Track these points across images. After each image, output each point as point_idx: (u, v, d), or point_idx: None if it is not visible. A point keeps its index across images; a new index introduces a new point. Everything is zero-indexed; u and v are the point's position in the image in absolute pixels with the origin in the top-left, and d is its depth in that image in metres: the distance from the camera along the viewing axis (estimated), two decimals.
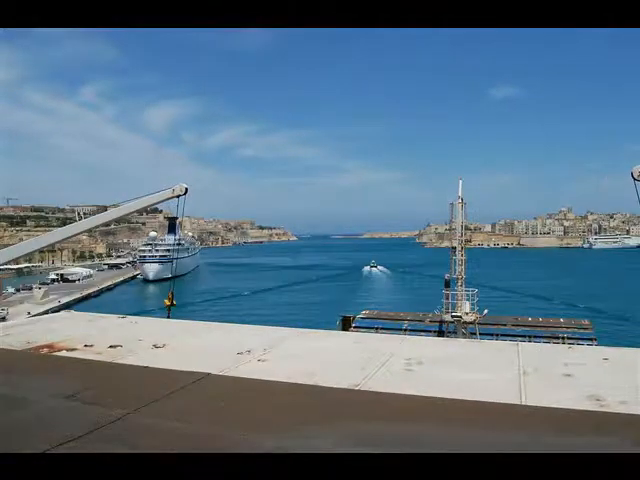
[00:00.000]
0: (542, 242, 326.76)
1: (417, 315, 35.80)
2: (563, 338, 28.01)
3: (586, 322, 32.00)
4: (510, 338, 24.65)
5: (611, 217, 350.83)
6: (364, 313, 35.69)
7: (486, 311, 32.89)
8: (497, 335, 28.87)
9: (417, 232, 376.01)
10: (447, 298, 32.05)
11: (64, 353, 7.67)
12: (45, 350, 7.88)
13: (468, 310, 31.56)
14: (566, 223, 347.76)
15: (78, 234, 19.72)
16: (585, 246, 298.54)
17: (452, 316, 31.37)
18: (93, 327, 9.87)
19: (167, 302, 18.32)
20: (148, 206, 18.35)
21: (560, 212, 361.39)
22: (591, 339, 28.29)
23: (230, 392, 5.69)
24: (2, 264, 18.14)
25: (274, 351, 7.57)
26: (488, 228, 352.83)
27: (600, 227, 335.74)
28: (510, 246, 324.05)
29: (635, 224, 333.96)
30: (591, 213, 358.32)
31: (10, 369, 6.87)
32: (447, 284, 32.92)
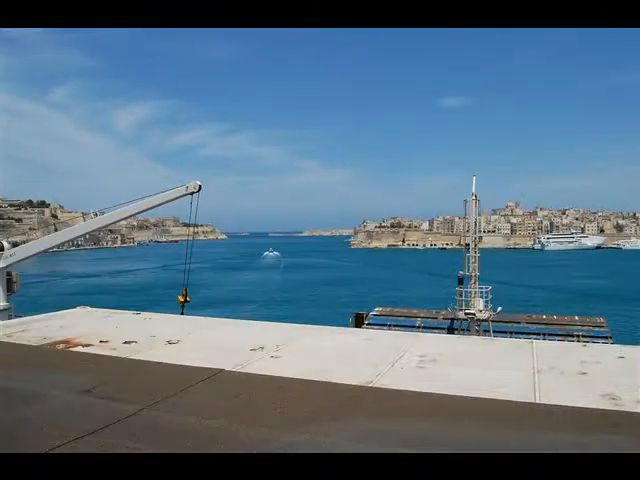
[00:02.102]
0: (486, 242, 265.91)
1: (430, 312, 35.65)
2: (578, 336, 27.75)
3: (601, 320, 31.65)
4: (524, 336, 24.49)
5: (563, 213, 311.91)
6: (377, 310, 35.61)
7: (500, 308, 32.65)
8: (511, 333, 28.68)
9: (353, 230, 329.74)
10: (460, 295, 31.87)
11: (80, 349, 7.76)
12: (61, 346, 7.97)
13: (482, 307, 31.37)
14: (513, 220, 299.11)
15: (94, 231, 19.92)
16: (536, 247, 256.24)
17: (465, 313, 31.19)
18: (108, 323, 9.97)
19: (181, 299, 18.46)
20: (162, 203, 18.49)
21: (507, 207, 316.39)
22: (606, 337, 27.99)
23: (244, 388, 5.72)
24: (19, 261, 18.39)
25: (287, 347, 7.60)
26: (426, 225, 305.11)
27: (552, 224, 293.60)
28: (449, 247, 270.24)
29: (590, 221, 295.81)
30: (541, 209, 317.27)
31: (27, 364, 6.96)
32: (460, 281, 32.72)
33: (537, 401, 5.19)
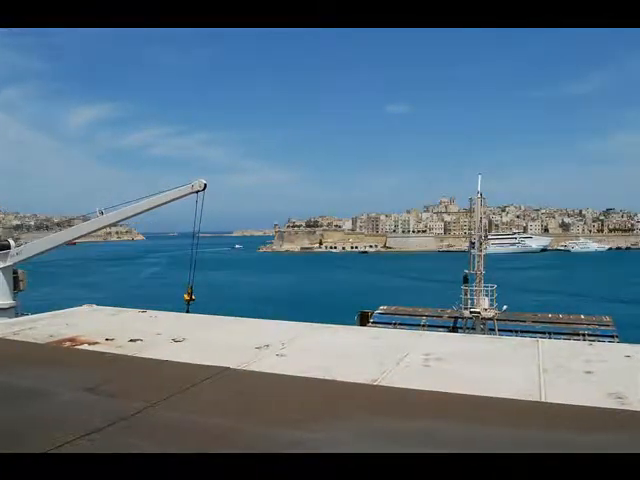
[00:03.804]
0: (415, 244, 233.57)
1: (435, 311, 35.62)
2: (584, 335, 27.67)
3: (607, 318, 31.52)
4: (530, 334, 24.42)
5: (503, 210, 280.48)
6: (382, 309, 35.61)
7: (505, 307, 32.61)
8: (516, 331, 28.61)
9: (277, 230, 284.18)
10: (466, 294, 31.81)
11: (86, 347, 7.79)
12: (67, 343, 8.00)
13: (487, 306, 31.31)
14: (447, 218, 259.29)
15: (101, 229, 19.97)
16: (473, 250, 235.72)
17: (470, 312, 31.14)
18: (114, 321, 10.00)
19: (186, 297, 18.51)
20: (168, 201, 18.53)
21: (441, 203, 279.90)
22: (612, 336, 27.89)
23: (249, 386, 5.73)
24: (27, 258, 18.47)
25: (292, 346, 7.60)
26: (349, 224, 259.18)
27: (491, 223, 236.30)
28: (372, 250, 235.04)
29: (533, 219, 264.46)
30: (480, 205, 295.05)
31: (33, 362, 6.99)
32: (465, 280, 32.67)
33: (542, 400, 5.17)
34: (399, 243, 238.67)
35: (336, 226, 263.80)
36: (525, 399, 5.13)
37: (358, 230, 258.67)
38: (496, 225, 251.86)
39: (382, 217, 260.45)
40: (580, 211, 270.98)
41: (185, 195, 18.36)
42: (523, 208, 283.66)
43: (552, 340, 11.14)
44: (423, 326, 30.73)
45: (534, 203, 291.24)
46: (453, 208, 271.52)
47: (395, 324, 30.35)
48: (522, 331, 28.51)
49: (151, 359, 7.00)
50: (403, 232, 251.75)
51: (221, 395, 5.47)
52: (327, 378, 5.94)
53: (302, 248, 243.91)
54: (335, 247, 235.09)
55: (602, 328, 29.71)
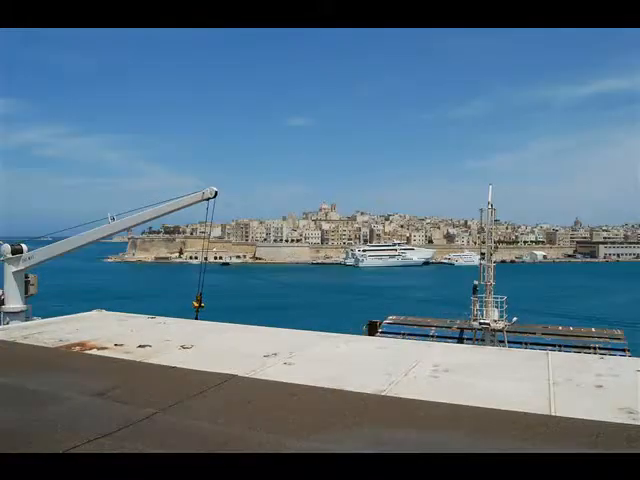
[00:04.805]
0: (287, 255, 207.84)
1: (445, 321, 35.42)
2: (594, 348, 27.34)
3: (618, 332, 31.19)
4: (540, 347, 24.20)
5: (387, 219, 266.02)
6: (391, 318, 35.47)
7: (515, 319, 32.35)
8: (526, 344, 28.36)
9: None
10: (475, 305, 31.61)
11: (95, 352, 7.83)
12: (77, 348, 8.06)
13: (496, 317, 31.08)
14: (325, 226, 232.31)
15: (112, 234, 20.14)
16: (349, 262, 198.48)
17: (480, 323, 30.93)
18: (123, 327, 10.05)
19: (195, 304, 18.55)
20: (179, 209, 18.62)
21: (321, 210, 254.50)
22: (623, 350, 27.56)
23: (256, 394, 5.73)
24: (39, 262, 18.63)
25: (300, 354, 7.59)
26: (218, 231, 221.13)
27: (372, 232, 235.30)
28: (238, 261, 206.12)
29: (417, 229, 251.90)
30: (361, 213, 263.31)
31: (43, 366, 7.05)
32: (475, 290, 32.47)
33: (552, 413, 5.13)
34: (270, 253, 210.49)
35: (202, 233, 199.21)
36: (534, 412, 5.08)
37: (227, 238, 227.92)
38: (378, 235, 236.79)
39: (254, 224, 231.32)
40: (465, 222, 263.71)
41: (196, 202, 18.44)
42: (408, 217, 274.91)
43: (562, 353, 11.05)
44: (432, 337, 30.56)
45: (420, 213, 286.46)
46: (334, 216, 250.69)
47: (404, 334, 30.21)
48: (532, 343, 28.25)
49: (160, 365, 7.03)
50: (275, 241, 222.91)
51: (228, 403, 5.47)
52: (335, 388, 5.92)
53: (157, 258, 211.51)
54: (196, 257, 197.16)
55: (613, 342, 29.37)
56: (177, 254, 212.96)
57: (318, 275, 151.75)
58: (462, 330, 32.84)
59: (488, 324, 30.71)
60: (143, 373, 6.80)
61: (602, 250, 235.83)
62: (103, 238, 19.37)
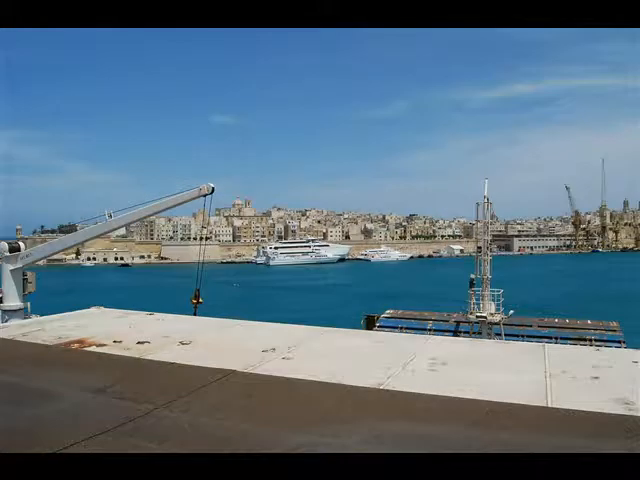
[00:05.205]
0: (196, 254, 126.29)
1: (442, 315, 35.53)
2: (590, 340, 27.47)
3: (614, 324, 31.31)
4: (536, 339, 24.29)
5: (303, 215, 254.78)
6: (388, 312, 35.54)
7: (512, 312, 32.45)
8: (523, 336, 28.46)
9: None
10: (472, 298, 31.69)
11: (94, 348, 7.85)
12: (76, 345, 8.07)
13: (493, 310, 31.18)
14: (237, 222, 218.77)
15: (109, 232, 20.13)
16: (260, 260, 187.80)
17: (477, 316, 31.02)
18: (122, 323, 10.07)
19: (194, 300, 18.57)
20: (176, 205, 18.64)
21: (234, 206, 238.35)
22: (619, 341, 27.70)
23: (255, 389, 5.76)
24: (37, 260, 18.62)
25: (299, 349, 7.63)
26: (122, 230, 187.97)
27: (287, 229, 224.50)
28: (140, 261, 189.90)
29: (334, 224, 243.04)
30: (278, 209, 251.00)
31: (42, 363, 7.06)
32: (472, 284, 32.54)
33: (549, 405, 5.17)
34: (176, 253, 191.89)
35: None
36: (531, 404, 5.12)
37: (130, 237, 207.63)
38: (293, 231, 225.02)
39: (160, 221, 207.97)
40: (384, 216, 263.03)
41: (192, 198, 18.45)
42: (325, 212, 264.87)
43: (559, 345, 11.11)
44: (430, 330, 30.65)
45: (338, 208, 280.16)
46: (248, 212, 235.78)
47: (401, 328, 30.29)
48: (528, 336, 28.35)
49: (159, 361, 7.05)
50: (182, 239, 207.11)
51: (228, 398, 5.50)
52: (333, 382, 5.96)
53: (49, 260, 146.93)
54: (94, 258, 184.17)
55: (609, 333, 29.50)
56: (74, 255, 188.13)
57: (222, 274, 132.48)
58: (459, 323, 32.94)
59: (485, 317, 30.80)
60: (142, 369, 6.83)
61: (516, 243, 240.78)
62: (100, 235, 19.34)
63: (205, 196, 17.95)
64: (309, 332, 9.05)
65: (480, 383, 5.88)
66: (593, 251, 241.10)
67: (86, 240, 19.18)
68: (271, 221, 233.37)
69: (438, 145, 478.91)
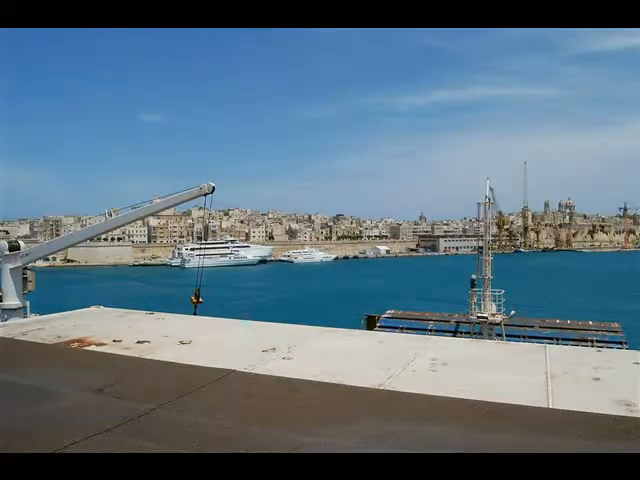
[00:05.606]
0: (106, 255, 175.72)
1: (443, 315, 35.52)
2: (592, 341, 27.46)
3: (616, 325, 31.29)
4: (537, 340, 24.28)
5: (226, 214, 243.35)
6: (389, 313, 35.53)
7: (513, 312, 32.43)
8: (524, 337, 28.46)
9: None
10: (473, 298, 31.66)
11: (93, 348, 7.83)
12: (75, 344, 8.05)
13: (494, 311, 31.16)
14: (153, 222, 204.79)
15: (108, 231, 20.12)
16: (175, 263, 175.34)
17: (478, 317, 31.00)
18: (122, 322, 10.05)
19: (194, 299, 18.57)
20: (176, 204, 18.64)
21: (152, 203, 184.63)
22: (621, 342, 27.68)
23: (255, 389, 5.74)
24: (36, 259, 18.63)
25: (299, 349, 7.61)
26: (26, 229, 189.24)
27: (207, 229, 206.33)
28: (44, 264, 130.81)
29: (258, 224, 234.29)
30: (199, 208, 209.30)
31: (41, 363, 7.05)
32: (473, 284, 32.52)
33: (550, 406, 5.15)
34: (85, 255, 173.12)
35: (4, 232, 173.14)
36: (532, 405, 5.10)
37: (34, 237, 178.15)
38: (213, 231, 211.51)
39: (68, 220, 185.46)
40: (310, 216, 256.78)
41: (193, 197, 18.44)
42: (249, 212, 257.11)
43: (560, 346, 11.08)
44: (430, 330, 30.63)
45: (263, 207, 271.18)
46: (166, 211, 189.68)
47: (402, 328, 30.27)
48: (530, 337, 28.34)
49: (158, 361, 7.03)
50: (92, 240, 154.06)
51: (227, 398, 5.48)
52: (333, 382, 5.94)
53: None
54: None
55: (610, 334, 29.48)
56: None
57: (125, 280, 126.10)
58: (460, 324, 32.92)
59: (486, 318, 30.79)
60: (142, 369, 6.81)
61: (442, 243, 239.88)
62: (99, 234, 19.32)
63: (206, 195, 17.94)
64: (310, 332, 9.03)
65: (481, 384, 5.86)
66: (515, 251, 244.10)
67: (85, 240, 19.17)
68: (190, 221, 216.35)
69: (367, 148, 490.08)
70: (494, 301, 31.46)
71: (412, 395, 5.47)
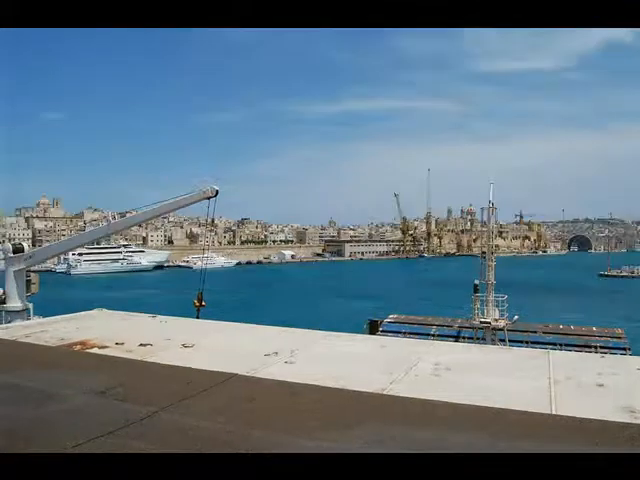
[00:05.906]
0: None
1: (446, 320, 35.46)
2: (595, 347, 27.37)
3: (619, 331, 31.21)
4: (540, 346, 24.21)
5: (122, 216, 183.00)
6: (392, 317, 35.50)
7: (516, 317, 32.35)
8: (527, 342, 28.40)
9: None
10: (476, 304, 31.59)
11: (96, 350, 7.84)
12: (78, 347, 8.06)
13: (497, 316, 31.08)
14: (39, 224, 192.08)
15: (112, 234, 20.15)
16: (60, 269, 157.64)
17: (481, 322, 30.93)
18: (124, 325, 10.06)
19: (196, 303, 18.59)
20: (180, 207, 18.66)
21: (39, 205, 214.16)
22: (625, 348, 27.59)
23: (257, 393, 5.73)
24: (40, 261, 18.66)
25: (301, 353, 7.59)
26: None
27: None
28: None
29: (157, 228, 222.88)
30: (94, 210, 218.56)
31: (44, 365, 7.05)
32: (476, 289, 32.46)
33: (553, 412, 5.13)
34: None
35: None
36: (535, 411, 5.08)
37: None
38: (128, 239, 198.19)
39: None
40: (213, 220, 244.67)
41: (196, 201, 18.48)
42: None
43: (563, 352, 11.04)
44: (433, 335, 30.59)
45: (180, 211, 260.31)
46: (55, 212, 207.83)
47: (405, 333, 30.23)
48: (533, 342, 28.28)
49: (161, 364, 7.03)
50: None
51: (229, 401, 5.47)
52: (336, 386, 5.92)
53: None
54: None
55: (614, 340, 29.40)
56: None
57: None
58: (463, 329, 32.86)
59: (489, 323, 30.71)
60: (144, 372, 6.80)
61: (348, 249, 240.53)
62: (102, 237, 19.37)
63: (209, 199, 17.97)
64: (312, 336, 9.02)
65: (484, 389, 5.83)
66: (419, 256, 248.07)
67: (88, 242, 19.21)
68: (82, 223, 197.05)
69: (278, 153, 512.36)
70: (497, 306, 31.39)
71: (415, 400, 5.45)
